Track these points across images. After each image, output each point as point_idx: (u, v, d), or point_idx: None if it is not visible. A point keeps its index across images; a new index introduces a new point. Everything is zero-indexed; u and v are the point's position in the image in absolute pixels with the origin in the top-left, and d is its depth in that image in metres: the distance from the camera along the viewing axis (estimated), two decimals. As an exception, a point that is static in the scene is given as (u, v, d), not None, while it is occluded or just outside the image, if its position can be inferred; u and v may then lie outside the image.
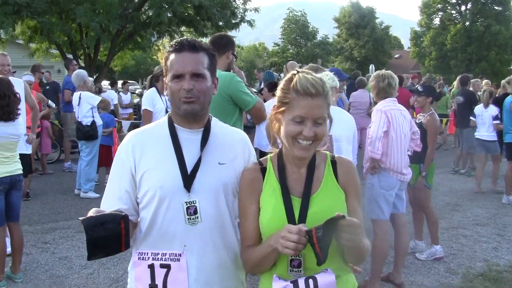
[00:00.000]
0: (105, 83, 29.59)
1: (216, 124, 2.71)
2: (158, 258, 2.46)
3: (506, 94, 10.96)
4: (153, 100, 7.84)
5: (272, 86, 8.53)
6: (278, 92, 2.41)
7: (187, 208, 2.46)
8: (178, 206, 2.46)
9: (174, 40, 2.61)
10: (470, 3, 56.13)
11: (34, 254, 6.87)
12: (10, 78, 6.75)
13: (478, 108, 11.30)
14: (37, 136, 10.63)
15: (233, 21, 23.65)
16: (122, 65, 49.98)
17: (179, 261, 2.45)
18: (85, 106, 9.98)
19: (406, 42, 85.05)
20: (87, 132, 9.95)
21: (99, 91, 13.98)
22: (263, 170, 2.46)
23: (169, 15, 21.20)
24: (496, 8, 54.95)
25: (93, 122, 10.01)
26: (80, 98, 10.00)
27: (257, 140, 8.31)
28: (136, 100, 20.60)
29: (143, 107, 7.78)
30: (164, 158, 2.51)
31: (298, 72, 2.36)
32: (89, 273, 6.25)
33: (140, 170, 2.50)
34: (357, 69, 39.74)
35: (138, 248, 2.54)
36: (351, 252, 2.27)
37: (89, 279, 6.10)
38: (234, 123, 4.89)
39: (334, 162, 2.49)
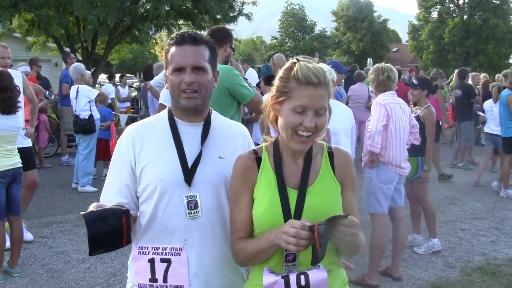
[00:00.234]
0: (102, 77, 29.57)
1: (216, 117, 2.69)
2: (158, 252, 2.46)
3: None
4: (169, 95, 7.81)
5: (269, 79, 8.50)
6: (277, 81, 2.34)
7: (188, 202, 2.45)
8: (179, 200, 2.45)
9: (175, 33, 2.59)
10: (468, -4, 56.05)
11: (32, 249, 6.86)
12: (9, 70, 6.76)
13: (487, 103, 11.33)
14: (34, 129, 10.64)
15: (231, 14, 23.55)
16: (119, 59, 49.98)
17: (179, 255, 2.44)
18: (83, 100, 9.95)
19: (404, 36, 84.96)
20: (85, 126, 9.93)
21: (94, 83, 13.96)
22: (258, 160, 2.41)
23: (166, 8, 21.12)
24: (494, 1, 54.82)
25: (91, 116, 9.99)
26: (77, 91, 9.97)
27: (255, 134, 8.30)
28: (133, 94, 20.57)
29: (160, 101, 7.75)
30: (165, 152, 2.49)
31: (298, 60, 2.30)
32: (86, 267, 6.24)
33: (140, 163, 2.49)
34: (354, 62, 39.70)
35: (138, 242, 2.52)
36: (346, 247, 2.24)
37: (87, 273, 6.10)
38: (232, 117, 4.87)
39: (331, 154, 2.45)
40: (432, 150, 6.73)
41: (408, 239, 6.77)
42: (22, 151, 6.47)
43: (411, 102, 7.42)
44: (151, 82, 7.62)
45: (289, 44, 61.41)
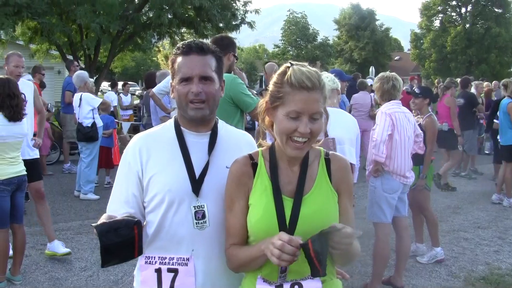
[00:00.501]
0: (105, 84, 29.62)
1: (223, 127, 2.67)
2: (165, 262, 2.44)
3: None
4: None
5: None
6: (271, 86, 2.29)
7: (195, 213, 2.44)
8: (187, 210, 2.44)
9: (181, 42, 2.57)
10: (470, 5, 56.25)
11: (33, 256, 6.83)
12: (21, 79, 6.79)
13: None
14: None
15: (234, 23, 23.64)
16: (122, 66, 50.08)
17: (187, 265, 2.44)
18: (86, 108, 9.95)
19: (406, 44, 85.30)
20: (88, 134, 9.93)
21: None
22: (254, 165, 2.37)
23: (169, 16, 21.21)
24: (496, 10, 55.04)
25: (94, 124, 9.98)
26: (80, 99, 9.98)
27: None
28: (136, 102, 20.59)
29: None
30: (172, 161, 2.48)
31: (292, 64, 2.26)
32: (88, 275, 6.22)
33: (148, 174, 2.47)
34: (357, 71, 39.81)
35: (144, 251, 2.49)
36: (341, 257, 2.23)
37: (89, 281, 6.07)
38: (235, 125, 4.87)
39: (328, 160, 2.40)
40: (430, 159, 6.70)
41: (411, 249, 6.74)
42: (30, 162, 6.50)
43: (413, 111, 7.41)
44: (154, 90, 7.63)
45: (291, 52, 61.46)
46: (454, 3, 57.28)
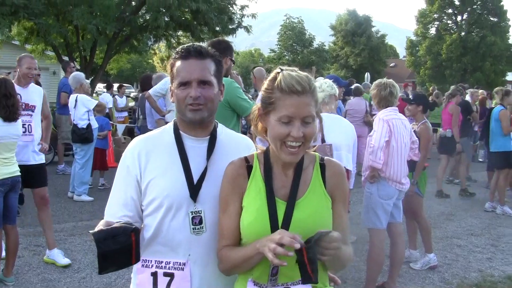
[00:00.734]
0: (100, 86, 29.59)
1: (222, 131, 2.67)
2: (161, 266, 2.45)
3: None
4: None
5: None
6: (262, 93, 2.32)
7: (193, 218, 2.44)
8: (184, 215, 2.44)
9: (180, 47, 2.56)
10: (466, 13, 56.38)
11: (26, 257, 6.82)
12: (32, 84, 6.77)
13: None
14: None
15: (230, 27, 23.61)
16: (117, 68, 50.02)
17: (183, 270, 2.44)
18: (81, 109, 9.95)
19: (401, 51, 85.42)
20: (83, 135, 9.91)
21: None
22: (249, 168, 2.38)
23: (166, 19, 21.16)
24: (491, 19, 55.21)
25: (89, 125, 9.98)
26: (76, 100, 9.97)
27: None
28: (131, 104, 20.57)
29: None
30: (170, 166, 2.48)
31: (282, 70, 2.27)
32: (81, 277, 6.20)
33: (146, 178, 2.47)
34: (352, 77, 39.83)
35: (141, 255, 2.47)
36: (331, 262, 2.23)
37: (82, 283, 6.06)
38: (232, 129, 4.88)
39: (323, 166, 2.41)
40: (423, 165, 6.72)
41: (405, 255, 6.75)
42: (36, 167, 6.51)
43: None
44: (150, 91, 7.62)
45: (287, 57, 61.48)
46: (450, 11, 57.45)
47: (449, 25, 57.86)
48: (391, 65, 69.00)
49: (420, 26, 58.37)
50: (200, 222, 2.45)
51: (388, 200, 5.76)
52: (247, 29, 24.17)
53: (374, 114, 12.24)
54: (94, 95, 21.89)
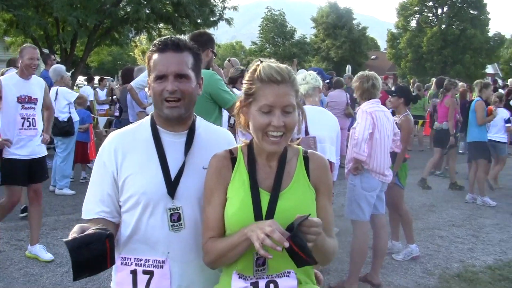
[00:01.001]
0: (81, 79, 29.35)
1: (201, 124, 2.64)
2: (141, 264, 2.42)
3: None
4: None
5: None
6: (243, 85, 2.33)
7: (171, 215, 2.42)
8: (162, 212, 2.42)
9: (158, 39, 2.51)
10: (446, 6, 56.79)
11: (8, 252, 6.75)
12: (33, 76, 6.61)
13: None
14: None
15: (212, 19, 23.61)
16: (98, 61, 49.67)
17: (162, 268, 2.41)
18: (62, 102, 9.84)
19: (382, 44, 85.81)
20: (64, 128, 9.82)
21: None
22: (233, 160, 2.38)
23: (147, 11, 21.08)
24: (472, 12, 55.66)
25: (70, 118, 9.89)
26: (57, 93, 9.85)
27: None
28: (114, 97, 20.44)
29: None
30: (147, 162, 2.45)
31: (261, 61, 2.30)
32: (64, 271, 6.15)
33: (123, 174, 2.44)
34: (333, 69, 39.84)
35: (120, 252, 2.47)
36: (315, 252, 2.20)
37: (64, 277, 6.01)
38: (214, 121, 4.88)
39: (306, 158, 2.42)
40: (403, 157, 6.75)
41: (388, 246, 6.79)
42: (37, 161, 6.47)
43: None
44: (132, 83, 7.56)
45: (268, 49, 61.43)
46: (430, 4, 57.80)
47: (430, 18, 58.27)
48: (372, 57, 69.21)
49: (401, 19, 58.71)
50: (179, 219, 2.43)
51: (371, 192, 5.78)
52: (229, 22, 24.19)
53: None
54: (75, 87, 21.73)
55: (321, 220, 2.15)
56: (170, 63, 2.39)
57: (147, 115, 2.70)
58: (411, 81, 23.28)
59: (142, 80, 7.54)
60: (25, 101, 6.36)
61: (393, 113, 6.94)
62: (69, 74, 11.89)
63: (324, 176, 2.43)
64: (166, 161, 2.44)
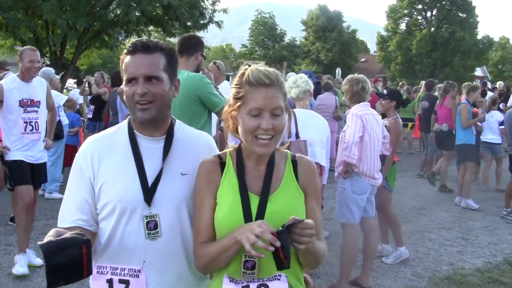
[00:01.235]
0: (70, 82, 29.23)
1: (180, 129, 2.57)
2: (117, 273, 2.37)
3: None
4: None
5: None
6: (232, 89, 2.33)
7: (147, 223, 2.36)
8: (138, 220, 2.36)
9: (130, 41, 2.47)
10: (435, 9, 57.17)
11: (-3, 256, 6.71)
12: (35, 78, 6.48)
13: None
14: None
15: (202, 22, 23.61)
16: (88, 64, 49.47)
17: (138, 277, 2.36)
18: (51, 105, 9.79)
19: (372, 46, 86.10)
20: (53, 131, 9.76)
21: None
22: (222, 165, 2.38)
23: (137, 14, 21.06)
24: (460, 15, 56.04)
25: (59, 122, 9.79)
26: (46, 96, 9.81)
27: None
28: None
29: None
30: (124, 168, 2.39)
31: (249, 65, 2.31)
32: (54, 276, 6.11)
33: (99, 180, 2.39)
34: (323, 72, 39.98)
35: (97, 261, 2.42)
36: (306, 256, 2.24)
37: (54, 281, 5.96)
38: (203, 125, 4.88)
39: (294, 162, 2.43)
40: (392, 160, 6.76)
41: (377, 249, 6.81)
42: (38, 167, 6.45)
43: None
44: (123, 86, 7.55)
45: (258, 52, 61.47)
46: (420, 7, 58.12)
47: (419, 21, 58.58)
48: (362, 60, 69.44)
49: (390, 22, 58.97)
50: (155, 226, 2.37)
51: (361, 195, 5.79)
52: (219, 24, 24.19)
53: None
54: (65, 91, 21.64)
55: None
56: (140, 65, 2.33)
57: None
58: (400, 84, 23.35)
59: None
60: (27, 104, 6.26)
61: (383, 116, 6.95)
62: (58, 77, 11.83)
63: (313, 180, 2.44)
64: (143, 167, 2.39)
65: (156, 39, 2.51)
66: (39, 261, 6.39)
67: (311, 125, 5.51)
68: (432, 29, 55.89)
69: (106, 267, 2.38)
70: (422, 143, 15.90)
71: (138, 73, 2.32)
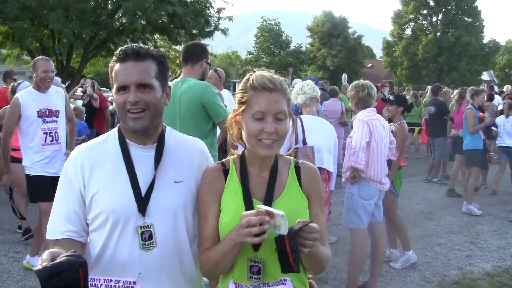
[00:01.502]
0: (78, 91, 29.29)
1: (171, 135, 2.51)
2: (111, 285, 2.28)
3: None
4: None
5: None
6: (237, 95, 2.36)
7: (142, 233, 2.30)
8: (132, 231, 2.30)
9: (119, 48, 2.39)
10: (441, 14, 57.15)
11: (5, 264, 6.73)
12: (52, 87, 6.35)
13: (500, 119, 11.66)
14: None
15: (207, 29, 23.63)
16: (94, 72, 49.68)
17: None
18: (58, 114, 9.81)
19: (378, 52, 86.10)
20: (60, 140, 9.78)
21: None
22: (226, 172, 2.39)
23: (142, 22, 21.11)
24: (466, 19, 56.01)
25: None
26: (53, 105, 9.83)
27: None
28: (110, 108, 20.39)
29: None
30: (116, 178, 2.32)
31: (254, 71, 2.34)
32: (62, 284, 6.12)
33: (90, 191, 2.32)
34: (329, 78, 40.03)
35: (89, 273, 2.26)
36: (309, 260, 2.25)
37: (63, 289, 5.98)
38: (210, 130, 4.91)
39: (297, 168, 2.44)
40: (398, 165, 6.74)
41: (386, 254, 6.79)
42: (56, 178, 6.34)
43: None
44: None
45: (264, 59, 61.45)
46: (425, 11, 58.14)
47: (425, 26, 58.57)
48: (368, 65, 69.41)
49: (396, 27, 58.98)
50: (150, 237, 2.31)
51: (369, 200, 5.79)
52: (224, 32, 24.20)
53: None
54: (71, 99, 21.69)
55: None
56: (131, 73, 2.27)
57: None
58: (406, 89, 23.31)
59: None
60: (46, 114, 6.14)
61: (389, 121, 6.95)
62: (65, 86, 11.88)
63: (316, 185, 2.45)
64: (135, 176, 2.33)
65: (146, 46, 2.45)
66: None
67: (318, 131, 5.52)
68: (438, 33, 55.83)
69: (100, 279, 2.29)
70: (429, 148, 15.88)
71: (129, 81, 2.26)
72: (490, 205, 10.50)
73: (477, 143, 10.31)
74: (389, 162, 6.26)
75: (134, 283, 2.28)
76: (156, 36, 24.55)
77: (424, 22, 58.86)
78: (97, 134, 10.24)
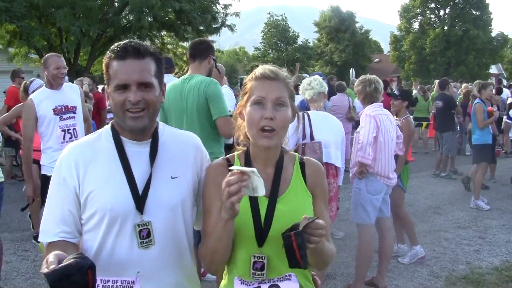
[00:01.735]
0: (86, 88, 29.37)
1: (164, 131, 2.46)
2: (108, 285, 2.20)
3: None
4: None
5: None
6: (242, 89, 2.41)
7: (140, 231, 2.26)
8: (130, 229, 2.25)
9: (116, 45, 2.29)
10: (448, 7, 56.87)
11: (14, 262, 6.77)
12: (66, 84, 6.22)
13: None
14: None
15: (214, 26, 23.64)
16: (102, 70, 49.90)
17: None
18: (66, 112, 9.83)
19: (385, 46, 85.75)
20: (69, 138, 9.81)
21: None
22: (230, 167, 2.35)
23: (149, 19, 21.13)
24: (474, 12, 55.71)
25: (74, 128, 9.87)
26: (61, 103, 9.85)
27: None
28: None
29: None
30: (112, 176, 2.27)
31: (258, 66, 2.38)
32: (71, 281, 6.15)
33: (85, 190, 2.26)
34: (337, 73, 39.93)
35: None
36: (314, 255, 2.23)
37: (72, 286, 6.00)
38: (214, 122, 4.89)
39: (302, 164, 2.44)
40: (404, 159, 6.73)
41: (393, 249, 6.79)
42: None
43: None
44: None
45: (272, 55, 61.44)
46: (433, 5, 57.89)
47: (432, 20, 58.32)
48: (375, 60, 69.18)
49: (403, 21, 58.77)
50: (148, 234, 2.27)
51: (376, 195, 5.79)
52: (231, 28, 24.19)
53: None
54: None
55: None
56: (132, 71, 2.20)
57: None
58: (413, 83, 23.23)
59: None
60: (62, 111, 5.96)
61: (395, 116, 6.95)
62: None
63: (320, 181, 2.46)
64: (132, 173, 2.28)
65: (143, 42, 2.39)
66: None
67: (325, 127, 5.52)
68: (446, 27, 55.59)
69: (96, 280, 2.16)
70: (437, 142, 15.84)
71: (131, 79, 2.20)
72: (498, 199, 10.48)
73: (487, 138, 10.25)
74: (396, 157, 6.26)
75: (133, 282, 2.22)
76: (163, 33, 24.58)
77: (432, 16, 58.62)
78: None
